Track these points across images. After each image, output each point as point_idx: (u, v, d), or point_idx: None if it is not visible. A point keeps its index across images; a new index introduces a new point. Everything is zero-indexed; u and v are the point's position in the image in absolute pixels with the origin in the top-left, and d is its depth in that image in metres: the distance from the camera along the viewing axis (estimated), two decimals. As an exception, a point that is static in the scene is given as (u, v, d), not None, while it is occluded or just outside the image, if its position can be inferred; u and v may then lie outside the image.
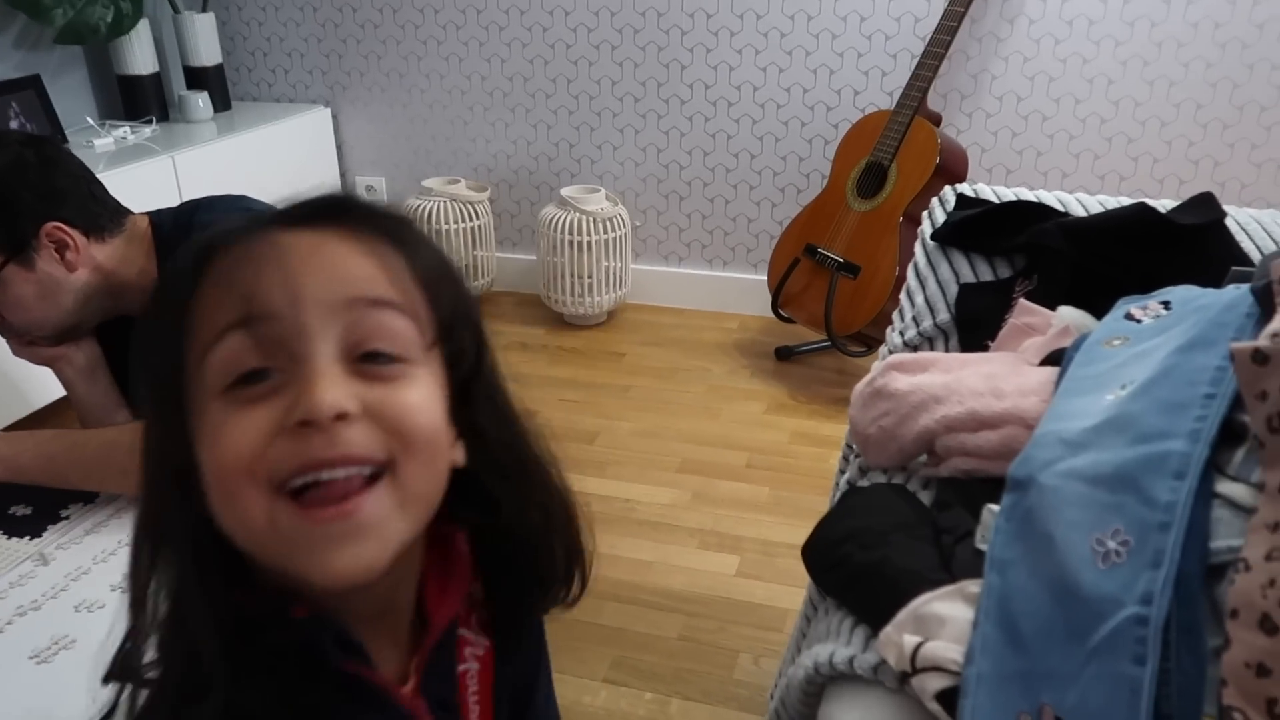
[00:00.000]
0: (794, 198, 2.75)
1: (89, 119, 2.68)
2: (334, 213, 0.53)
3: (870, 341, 2.44)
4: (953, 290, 1.28)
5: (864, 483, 1.09)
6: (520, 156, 2.95)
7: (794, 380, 2.53)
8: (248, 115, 2.92)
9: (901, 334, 1.30)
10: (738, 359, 2.65)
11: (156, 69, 2.79)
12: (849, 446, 1.34)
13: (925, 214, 1.41)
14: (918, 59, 2.32)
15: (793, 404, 2.41)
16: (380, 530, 0.49)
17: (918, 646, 0.72)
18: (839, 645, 0.84)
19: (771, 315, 2.68)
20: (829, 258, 2.38)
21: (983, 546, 0.81)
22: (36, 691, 0.91)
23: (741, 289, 2.89)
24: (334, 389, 0.48)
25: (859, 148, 2.39)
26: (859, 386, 1.14)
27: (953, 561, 0.82)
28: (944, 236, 1.32)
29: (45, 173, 1.23)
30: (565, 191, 2.77)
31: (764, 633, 1.65)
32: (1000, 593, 0.71)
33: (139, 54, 2.73)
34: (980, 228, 1.30)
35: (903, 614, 0.77)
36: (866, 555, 0.88)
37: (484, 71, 2.86)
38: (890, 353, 1.28)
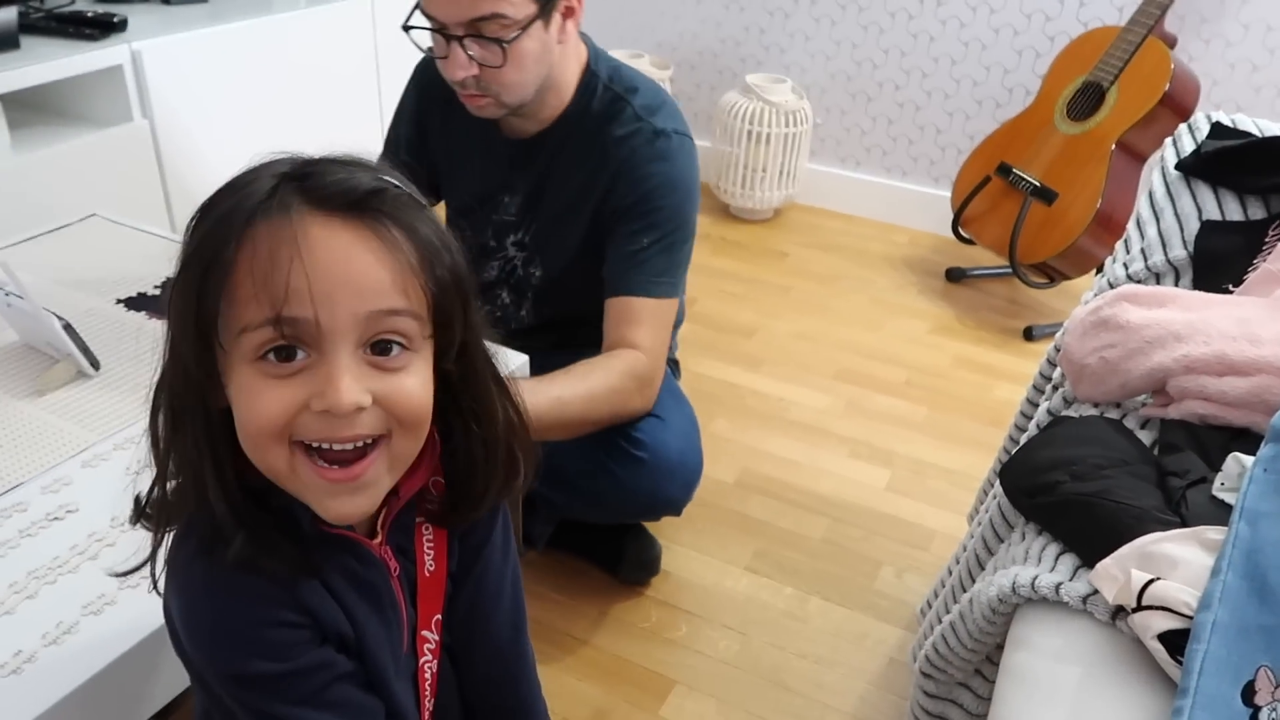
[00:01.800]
0: (991, 112, 2.59)
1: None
2: (365, 205, 0.58)
3: (1054, 274, 2.31)
4: (1192, 225, 1.19)
5: (1069, 414, 1.04)
6: (707, 37, 2.86)
7: (962, 304, 2.43)
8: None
9: (1126, 266, 1.21)
10: (905, 274, 2.56)
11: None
12: (1043, 377, 1.29)
13: (1170, 141, 1.30)
14: (1162, -28, 2.11)
15: (959, 327, 2.33)
16: (374, 487, 0.62)
17: (1147, 584, 0.69)
18: (1041, 570, 0.81)
19: (944, 234, 2.57)
20: (1024, 179, 2.24)
21: (1224, 495, 0.77)
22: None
23: (917, 202, 2.77)
24: (353, 387, 0.57)
25: (1077, 64, 2.22)
26: (1079, 313, 1.08)
27: (1183, 506, 0.78)
28: (1191, 167, 1.22)
29: None
30: (751, 79, 2.68)
31: (909, 549, 1.63)
32: (1250, 544, 0.67)
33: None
34: (1235, 162, 1.20)
35: (1126, 549, 0.74)
36: (1080, 486, 0.85)
37: (683, -57, 2.77)
38: (1111, 285, 1.20)
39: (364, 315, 0.57)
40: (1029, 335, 2.29)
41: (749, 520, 1.68)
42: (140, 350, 1.20)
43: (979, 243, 2.41)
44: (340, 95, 2.43)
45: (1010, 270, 2.33)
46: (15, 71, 1.73)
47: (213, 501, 0.61)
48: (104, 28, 1.87)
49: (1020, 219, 2.22)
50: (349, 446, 0.59)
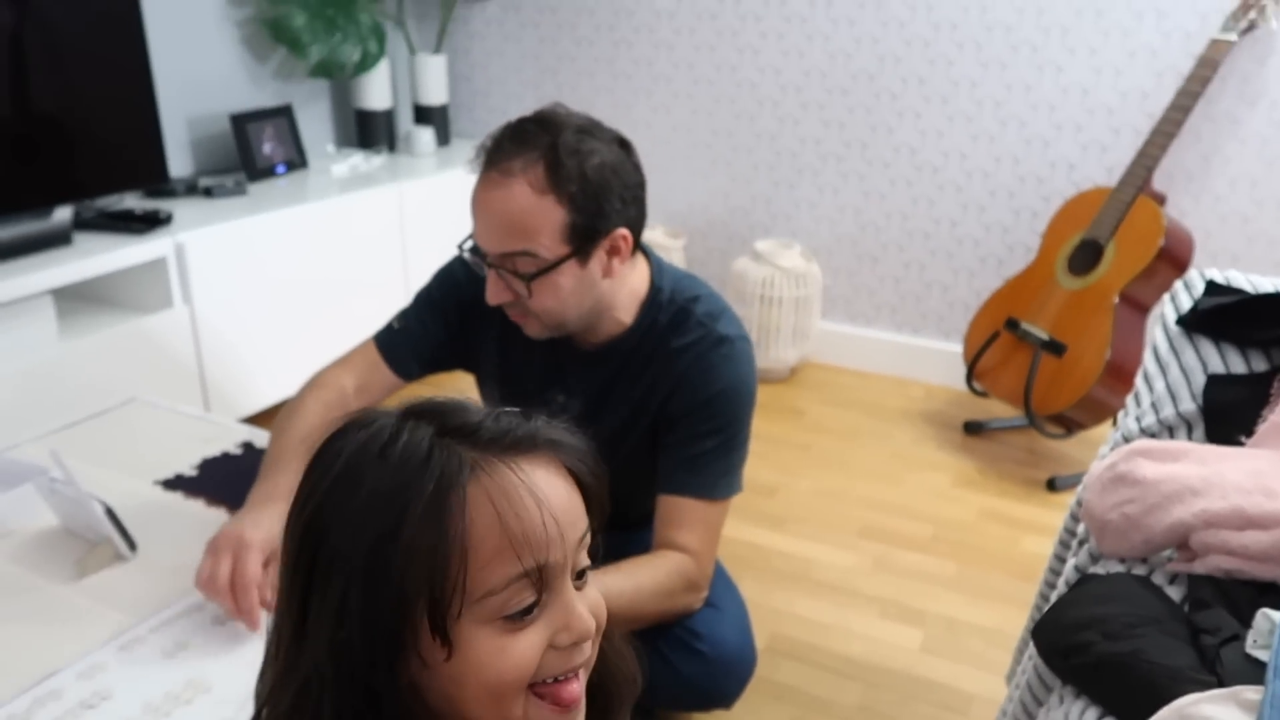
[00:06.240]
0: (995, 269, 2.68)
1: (328, 147, 2.92)
2: (536, 441, 0.59)
3: (1070, 424, 2.33)
4: (1198, 379, 1.22)
5: (1096, 570, 1.05)
6: (716, 207, 3.01)
7: (983, 456, 2.44)
8: (465, 151, 3.09)
9: (1138, 420, 1.24)
10: (923, 428, 2.58)
11: (390, 105, 3.02)
12: (1069, 533, 1.29)
13: (1168, 297, 1.35)
14: (1147, 136, 2.23)
15: (981, 480, 2.33)
16: (581, 705, 0.61)
17: (1189, 749, 0.68)
18: (1082, 736, 0.80)
19: (959, 387, 2.61)
20: (1032, 334, 2.30)
21: (1257, 653, 0.76)
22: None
23: (930, 357, 2.83)
24: (587, 613, 0.58)
25: (1074, 223, 2.31)
26: (1096, 468, 1.10)
27: (1218, 664, 0.78)
28: (1191, 323, 1.26)
29: (633, 178, 1.24)
30: (760, 245, 2.80)
31: (947, 713, 1.59)
32: (1288, 704, 0.67)
33: (377, 91, 2.96)
34: (1233, 317, 1.24)
35: (1166, 711, 0.73)
36: (1113, 646, 0.85)
37: (690, 124, 2.95)
38: (1125, 439, 1.23)
39: (576, 542, 0.58)
40: (1052, 486, 2.29)
41: (780, 687, 1.64)
42: (175, 532, 1.23)
43: (994, 395, 2.44)
44: (369, 278, 2.56)
45: (1028, 422, 2.35)
46: (67, 267, 1.84)
47: None
48: (151, 222, 2.00)
49: (1033, 372, 2.26)
50: (579, 671, 0.60)
